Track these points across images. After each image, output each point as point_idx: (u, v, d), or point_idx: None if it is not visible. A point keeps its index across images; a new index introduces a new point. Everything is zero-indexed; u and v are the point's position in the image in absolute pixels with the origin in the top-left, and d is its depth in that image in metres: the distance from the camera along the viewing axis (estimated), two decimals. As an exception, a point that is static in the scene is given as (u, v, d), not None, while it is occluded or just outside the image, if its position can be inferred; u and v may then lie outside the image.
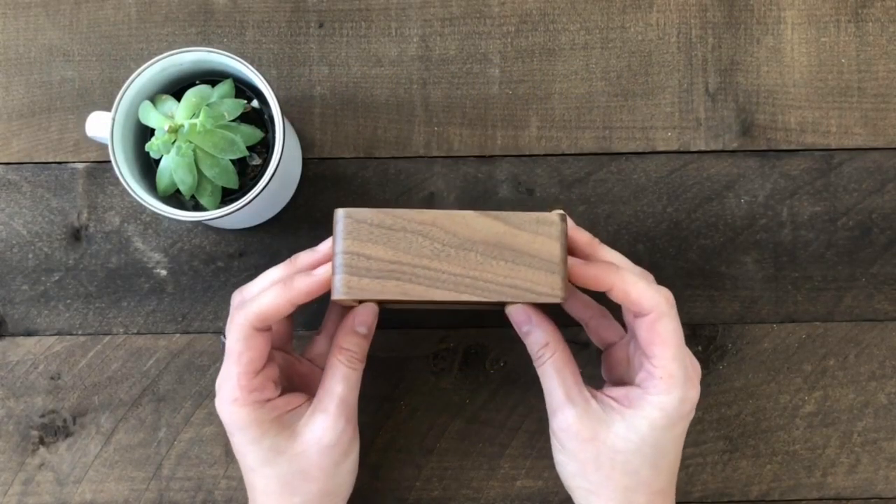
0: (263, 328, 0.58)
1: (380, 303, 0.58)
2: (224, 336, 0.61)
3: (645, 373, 0.58)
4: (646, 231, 0.70)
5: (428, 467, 0.69)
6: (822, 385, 0.69)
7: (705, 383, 0.69)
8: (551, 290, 0.55)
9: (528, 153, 0.70)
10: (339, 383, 0.59)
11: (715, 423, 0.69)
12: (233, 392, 0.58)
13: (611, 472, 0.58)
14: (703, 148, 0.70)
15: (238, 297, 0.61)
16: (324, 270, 0.57)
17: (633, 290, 0.57)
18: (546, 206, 0.68)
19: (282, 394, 0.60)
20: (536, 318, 0.59)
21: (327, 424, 0.59)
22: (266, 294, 0.58)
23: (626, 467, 0.58)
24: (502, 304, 0.58)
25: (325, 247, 0.59)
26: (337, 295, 0.55)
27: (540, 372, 0.60)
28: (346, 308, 0.61)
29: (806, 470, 0.69)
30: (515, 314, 0.59)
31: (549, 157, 0.70)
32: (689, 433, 0.69)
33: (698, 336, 0.70)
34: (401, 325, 0.69)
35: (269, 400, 0.59)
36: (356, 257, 0.55)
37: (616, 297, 0.58)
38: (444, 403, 0.70)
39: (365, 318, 0.59)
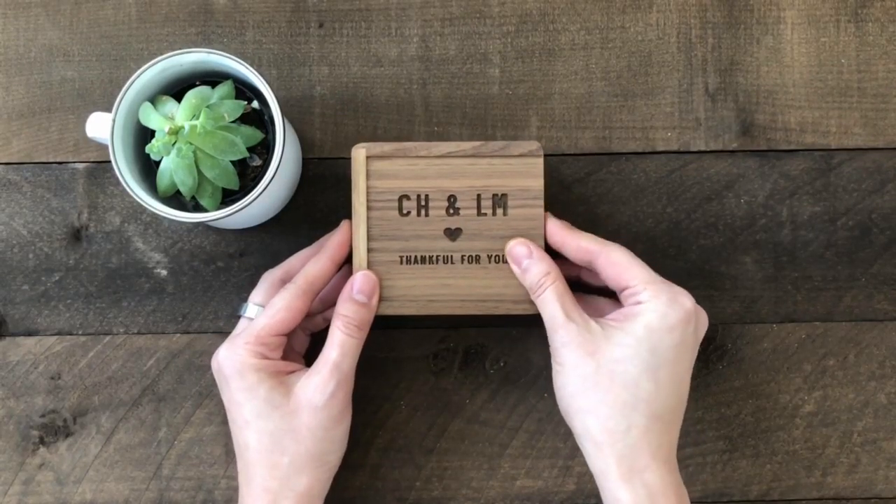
0: (310, 293, 0.63)
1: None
2: (247, 302, 0.65)
3: (630, 293, 0.61)
4: (646, 231, 0.70)
5: (428, 467, 0.70)
6: (822, 385, 0.70)
7: (705, 383, 0.69)
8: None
9: (528, 153, 0.70)
10: (334, 349, 0.62)
11: (715, 423, 0.69)
12: (247, 338, 0.61)
13: (610, 386, 0.59)
14: (702, 148, 0.70)
15: (267, 279, 0.65)
16: (345, 224, 0.64)
17: (585, 240, 0.63)
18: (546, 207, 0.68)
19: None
20: (537, 252, 0.63)
21: (319, 387, 0.61)
22: (310, 264, 0.63)
23: (625, 378, 0.59)
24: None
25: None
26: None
27: (540, 301, 0.62)
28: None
29: (806, 470, 0.69)
30: (517, 247, 0.63)
31: (549, 157, 0.70)
32: (688, 433, 0.69)
33: (698, 336, 0.70)
34: (401, 325, 0.69)
35: (272, 360, 0.62)
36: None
37: (575, 249, 0.63)
38: (444, 403, 0.70)
39: (363, 286, 0.63)
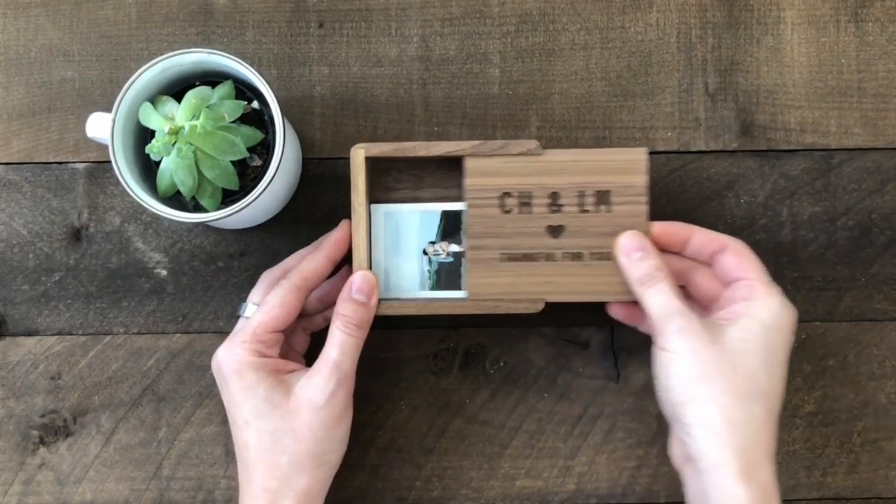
0: (304, 290, 0.63)
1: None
2: (246, 302, 0.65)
3: (744, 289, 0.61)
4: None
5: (428, 467, 0.70)
6: (822, 385, 0.70)
7: (705, 383, 0.69)
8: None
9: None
10: (334, 349, 0.62)
11: (715, 423, 0.69)
12: (244, 336, 0.62)
13: (731, 376, 0.58)
14: (702, 148, 0.70)
15: (266, 277, 0.66)
16: (344, 223, 0.65)
17: (705, 232, 0.63)
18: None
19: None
20: (651, 247, 0.63)
21: (319, 386, 0.61)
22: (305, 261, 0.64)
23: (746, 371, 0.58)
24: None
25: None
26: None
27: (652, 291, 0.61)
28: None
29: (806, 470, 0.69)
30: (631, 239, 0.63)
31: (549, 157, 0.70)
32: (688, 433, 0.69)
33: (698, 336, 0.70)
34: (401, 325, 0.69)
35: (270, 357, 0.62)
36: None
37: (697, 240, 0.63)
38: (444, 403, 0.70)
39: (361, 286, 0.63)
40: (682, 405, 0.59)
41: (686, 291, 0.65)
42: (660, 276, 0.62)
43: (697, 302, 0.65)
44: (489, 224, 0.64)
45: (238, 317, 0.65)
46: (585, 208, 0.64)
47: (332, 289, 0.66)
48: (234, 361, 0.61)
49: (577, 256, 0.64)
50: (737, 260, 0.62)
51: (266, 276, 0.66)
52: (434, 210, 0.66)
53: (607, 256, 0.64)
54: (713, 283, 0.64)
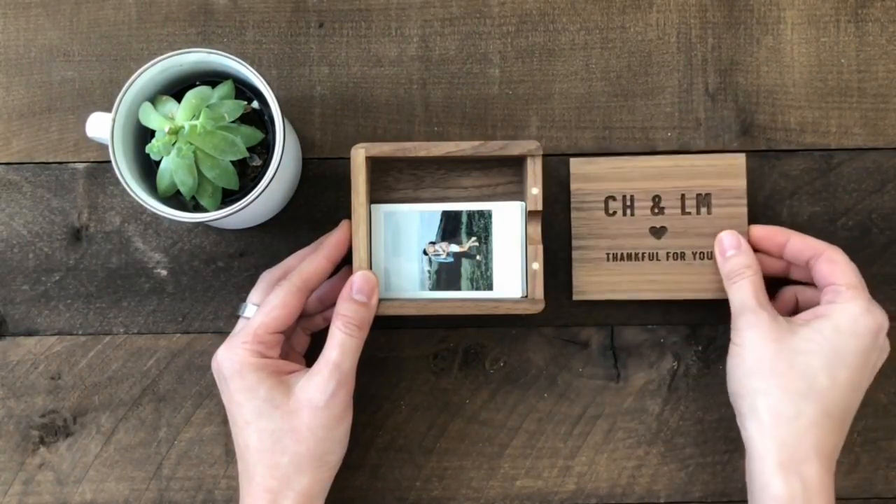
0: (305, 290, 0.63)
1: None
2: (246, 302, 0.65)
3: (830, 292, 0.63)
4: (646, 231, 0.70)
5: (428, 467, 0.70)
6: (822, 385, 0.69)
7: (705, 383, 0.69)
8: None
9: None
10: (334, 349, 0.62)
11: (715, 423, 0.69)
12: (244, 337, 0.62)
13: (787, 372, 0.60)
14: (703, 148, 0.70)
15: (265, 278, 0.66)
16: (344, 224, 0.65)
17: (803, 238, 0.65)
18: (546, 207, 0.68)
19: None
20: (745, 246, 0.66)
21: (319, 386, 0.61)
22: (305, 262, 0.64)
23: (804, 369, 0.60)
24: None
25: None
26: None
27: (735, 287, 0.64)
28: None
29: (805, 470, 0.69)
30: (727, 237, 0.66)
31: (549, 157, 0.70)
32: (689, 433, 0.69)
33: (698, 336, 0.70)
34: (401, 325, 0.69)
35: (271, 358, 0.62)
36: None
37: (793, 245, 0.65)
38: (444, 403, 0.70)
39: (362, 286, 0.63)
40: (739, 396, 0.62)
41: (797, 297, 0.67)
42: (746, 274, 0.64)
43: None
44: (594, 226, 0.68)
45: (238, 317, 0.65)
46: (687, 210, 0.67)
47: (332, 289, 0.66)
48: (234, 362, 0.61)
49: (679, 256, 0.67)
50: (829, 267, 0.64)
51: (266, 277, 0.66)
52: (434, 210, 0.66)
53: (709, 256, 0.67)
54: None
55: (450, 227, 0.66)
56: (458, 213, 0.66)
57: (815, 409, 0.60)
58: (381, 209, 0.66)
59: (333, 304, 0.64)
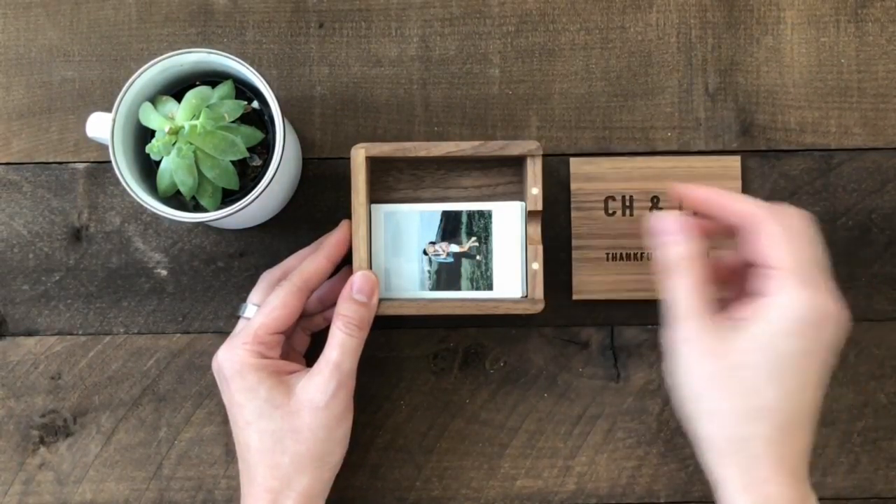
0: (305, 291, 0.63)
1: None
2: (246, 303, 0.65)
3: (760, 278, 0.56)
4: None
5: (428, 467, 0.70)
6: (822, 385, 0.69)
7: (705, 383, 0.69)
8: None
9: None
10: (335, 349, 0.62)
11: (715, 423, 0.69)
12: (245, 337, 0.62)
13: (728, 393, 0.54)
14: (703, 148, 0.70)
15: (265, 278, 0.66)
16: (344, 224, 0.65)
17: (733, 202, 0.58)
18: (546, 207, 0.68)
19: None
20: (687, 232, 0.58)
21: (320, 387, 0.61)
22: (306, 262, 0.64)
23: (745, 385, 0.54)
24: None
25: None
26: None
27: (671, 284, 0.58)
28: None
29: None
30: (665, 220, 0.59)
31: (549, 157, 0.70)
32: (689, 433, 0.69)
33: (698, 336, 0.70)
34: (401, 325, 0.69)
35: (272, 358, 0.62)
36: None
37: (728, 209, 0.58)
38: (444, 403, 0.70)
39: (362, 286, 0.63)
40: (688, 419, 0.57)
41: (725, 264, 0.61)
42: (683, 267, 0.57)
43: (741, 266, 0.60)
44: (594, 226, 0.68)
45: (238, 317, 0.65)
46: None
47: (333, 289, 0.66)
48: (235, 362, 0.61)
49: None
50: (757, 241, 0.57)
51: (266, 277, 0.66)
52: (434, 210, 0.66)
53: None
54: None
55: (450, 227, 0.66)
56: (458, 214, 0.66)
57: (769, 427, 0.54)
58: (382, 209, 0.66)
59: (334, 305, 0.64)
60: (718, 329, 0.56)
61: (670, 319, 0.57)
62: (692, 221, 0.59)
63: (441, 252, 0.66)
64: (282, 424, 0.61)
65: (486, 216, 0.66)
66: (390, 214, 0.66)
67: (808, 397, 0.56)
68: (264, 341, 0.62)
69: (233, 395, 0.62)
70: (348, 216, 0.65)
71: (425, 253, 0.66)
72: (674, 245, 0.58)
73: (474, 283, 0.66)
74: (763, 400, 0.54)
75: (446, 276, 0.66)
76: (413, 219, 0.66)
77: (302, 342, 0.67)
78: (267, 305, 0.63)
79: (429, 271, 0.66)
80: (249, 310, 0.64)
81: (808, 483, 0.56)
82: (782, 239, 0.56)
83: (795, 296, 0.55)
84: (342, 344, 0.62)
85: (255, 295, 0.65)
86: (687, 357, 0.56)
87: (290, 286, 0.63)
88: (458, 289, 0.66)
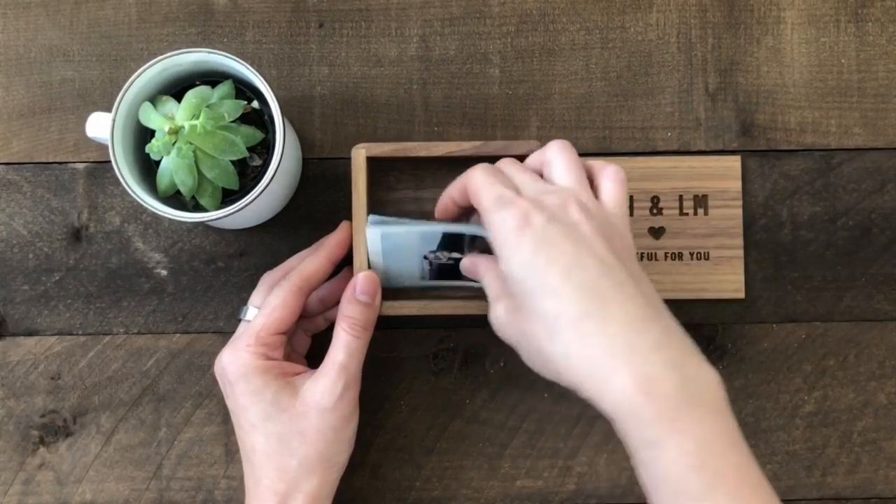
0: (305, 290, 0.63)
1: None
2: (247, 305, 0.65)
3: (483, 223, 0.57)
4: (646, 231, 0.70)
5: (428, 467, 0.70)
6: (822, 385, 0.69)
7: (705, 383, 0.69)
8: None
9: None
10: (340, 351, 0.62)
11: (715, 423, 0.69)
12: (248, 339, 0.61)
13: (558, 285, 0.52)
14: (703, 148, 0.70)
15: (267, 279, 0.66)
16: (345, 225, 0.66)
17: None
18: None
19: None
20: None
21: (327, 388, 0.61)
22: (306, 261, 0.64)
23: (549, 304, 0.52)
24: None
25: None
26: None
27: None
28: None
29: (806, 470, 0.69)
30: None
31: (549, 157, 0.70)
32: (688, 433, 0.69)
33: (697, 336, 0.69)
34: (401, 325, 0.69)
35: (275, 360, 0.62)
36: None
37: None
38: (444, 403, 0.70)
39: (366, 287, 0.63)
40: (560, 375, 0.55)
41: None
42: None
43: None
44: None
45: (239, 320, 0.65)
46: (685, 211, 0.68)
47: (333, 290, 0.66)
48: (239, 365, 0.61)
49: (677, 256, 0.68)
50: (468, 190, 0.58)
51: (266, 279, 0.66)
52: (434, 231, 0.64)
53: (706, 256, 0.67)
54: None
55: (451, 243, 0.65)
56: (460, 236, 0.64)
57: (599, 324, 0.51)
58: (379, 231, 0.63)
59: (335, 305, 0.64)
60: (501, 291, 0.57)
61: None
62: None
63: (442, 258, 0.66)
64: (289, 427, 0.60)
65: (488, 240, 0.65)
66: (388, 236, 0.64)
67: (595, 284, 0.53)
68: (267, 342, 0.62)
69: (237, 399, 0.61)
70: (348, 216, 0.65)
71: (426, 258, 0.66)
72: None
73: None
74: (560, 318, 0.53)
75: (449, 270, 0.66)
76: (412, 238, 0.64)
77: (303, 343, 0.67)
78: (267, 306, 0.62)
79: (429, 270, 0.66)
80: (250, 312, 0.64)
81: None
82: (485, 177, 0.57)
83: (496, 230, 0.55)
84: (347, 345, 0.62)
85: (255, 297, 0.65)
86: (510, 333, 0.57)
87: (289, 286, 0.63)
88: (459, 279, 0.65)
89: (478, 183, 0.57)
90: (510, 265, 0.54)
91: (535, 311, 0.54)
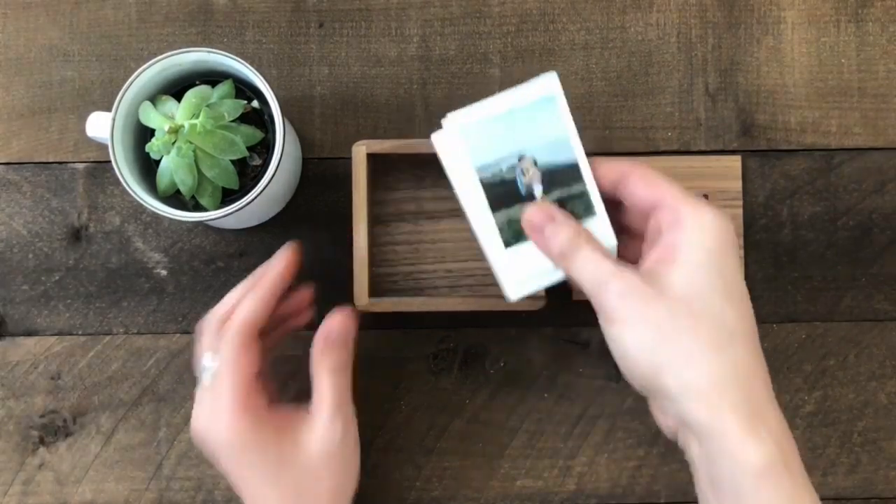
0: (252, 334, 0.58)
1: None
2: (202, 367, 0.59)
3: (668, 215, 0.53)
4: (646, 231, 0.70)
5: (428, 467, 0.70)
6: (822, 385, 0.69)
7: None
8: None
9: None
10: (328, 392, 0.59)
11: (715, 423, 0.69)
12: (231, 401, 0.57)
13: (695, 325, 0.50)
14: (703, 148, 0.70)
15: (211, 322, 0.60)
16: (282, 256, 0.60)
17: (604, 162, 0.56)
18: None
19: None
20: (560, 216, 0.54)
21: (328, 434, 0.59)
22: (242, 303, 0.59)
23: (708, 312, 0.50)
24: None
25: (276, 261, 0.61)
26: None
27: (578, 263, 0.53)
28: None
29: (806, 470, 0.69)
30: (535, 214, 0.54)
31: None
32: (689, 433, 0.69)
33: (698, 336, 0.70)
34: (401, 325, 0.69)
35: (266, 405, 0.58)
36: None
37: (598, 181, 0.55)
38: (444, 403, 0.70)
39: (340, 331, 0.59)
40: (655, 377, 0.51)
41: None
42: (580, 242, 0.53)
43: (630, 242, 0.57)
44: None
45: (204, 370, 0.59)
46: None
47: (290, 306, 0.63)
48: (222, 432, 0.57)
49: None
50: (644, 184, 0.54)
51: (207, 327, 0.60)
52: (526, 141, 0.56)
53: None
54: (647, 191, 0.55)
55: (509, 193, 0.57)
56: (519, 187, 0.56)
57: (743, 350, 0.50)
58: (458, 124, 0.56)
59: (291, 316, 0.62)
60: (645, 276, 0.52)
61: (595, 291, 0.52)
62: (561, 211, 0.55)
63: (526, 171, 0.56)
64: (300, 478, 0.58)
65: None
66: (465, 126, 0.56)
67: (750, 307, 0.53)
68: (253, 390, 0.58)
69: (233, 471, 0.58)
70: (348, 216, 0.65)
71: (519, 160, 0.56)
72: (560, 229, 0.54)
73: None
74: (728, 322, 0.51)
75: (504, 195, 0.57)
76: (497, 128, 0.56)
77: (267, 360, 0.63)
78: (228, 362, 0.57)
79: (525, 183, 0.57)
80: (207, 358, 0.59)
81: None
82: (661, 178, 0.54)
83: (709, 215, 0.52)
84: (334, 386, 0.59)
85: (202, 348, 0.59)
86: (631, 310, 0.51)
87: (239, 336, 0.58)
88: (515, 203, 0.56)
89: (662, 177, 0.54)
90: (695, 272, 0.51)
91: (705, 318, 0.50)
